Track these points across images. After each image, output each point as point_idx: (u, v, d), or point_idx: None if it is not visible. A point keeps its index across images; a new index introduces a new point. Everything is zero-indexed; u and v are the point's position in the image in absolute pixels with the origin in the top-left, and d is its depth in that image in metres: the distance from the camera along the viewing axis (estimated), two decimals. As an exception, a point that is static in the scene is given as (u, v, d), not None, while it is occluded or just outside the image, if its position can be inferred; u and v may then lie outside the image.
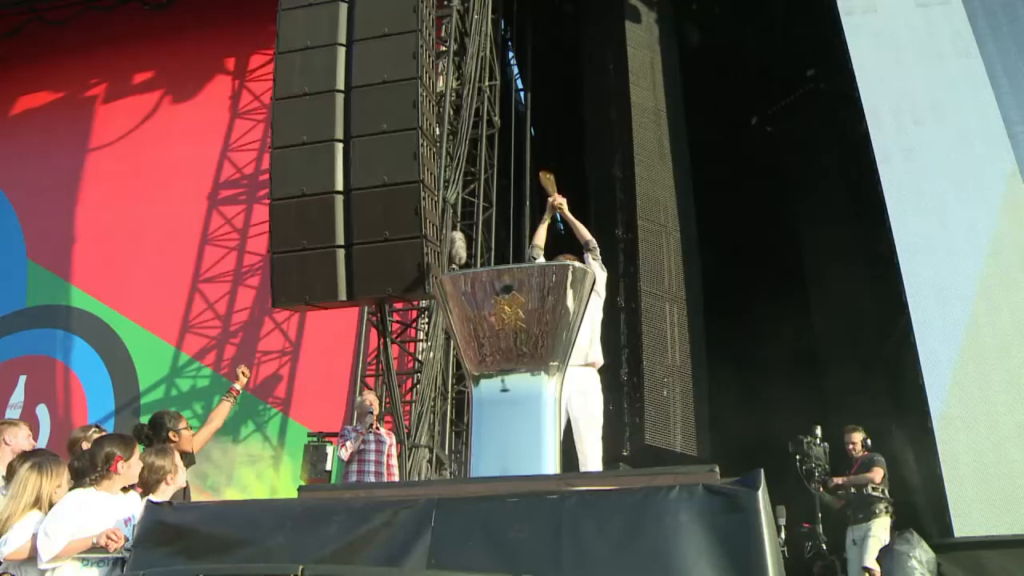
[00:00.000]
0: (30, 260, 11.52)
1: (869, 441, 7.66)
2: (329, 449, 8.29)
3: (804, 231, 12.28)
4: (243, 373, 6.19)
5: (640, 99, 10.97)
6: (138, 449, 4.18)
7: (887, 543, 6.91)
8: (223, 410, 5.94)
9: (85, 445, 4.75)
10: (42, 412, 10.43)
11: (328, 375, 9.78)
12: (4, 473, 4.52)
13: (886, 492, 7.34)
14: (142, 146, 11.67)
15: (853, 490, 7.46)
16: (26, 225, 11.77)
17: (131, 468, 4.08)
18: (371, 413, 7.23)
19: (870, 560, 6.95)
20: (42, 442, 9.60)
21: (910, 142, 8.81)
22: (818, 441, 7.68)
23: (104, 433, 4.92)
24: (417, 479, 7.77)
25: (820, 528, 7.40)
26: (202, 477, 9.44)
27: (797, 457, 7.65)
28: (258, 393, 9.96)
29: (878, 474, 7.34)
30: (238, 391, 6.07)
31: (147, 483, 4.23)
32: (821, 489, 7.61)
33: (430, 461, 8.18)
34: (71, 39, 12.23)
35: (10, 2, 12.22)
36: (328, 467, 8.21)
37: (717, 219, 11.59)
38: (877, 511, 7.27)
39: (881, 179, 8.65)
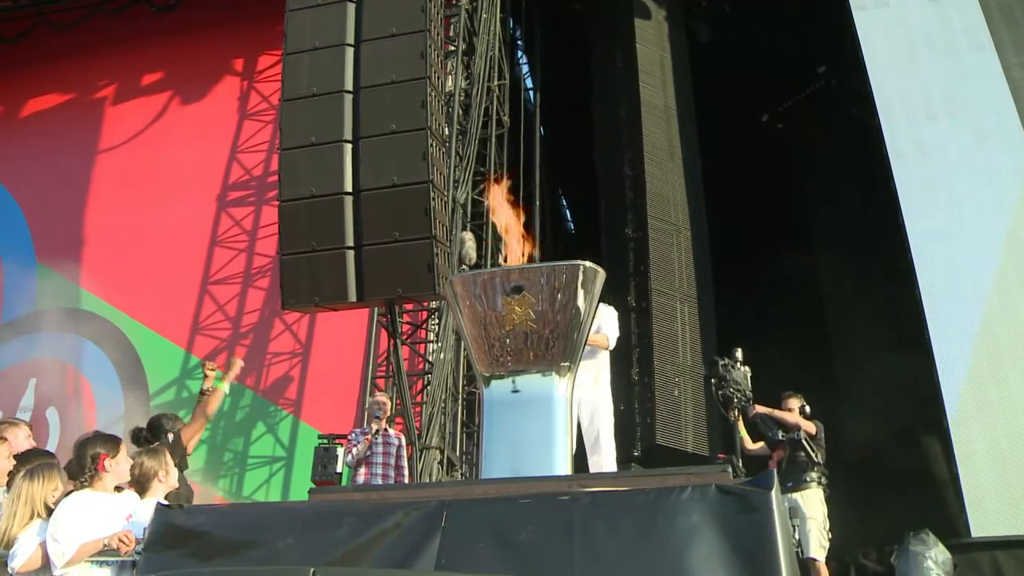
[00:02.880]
0: (39, 263, 11.56)
1: (808, 409, 6.98)
2: (339, 451, 8.30)
3: (815, 229, 12.25)
4: (211, 369, 5.93)
5: (650, 97, 10.95)
6: (124, 446, 4.18)
7: (822, 519, 6.56)
8: (214, 402, 5.77)
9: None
10: (52, 416, 10.47)
11: (338, 377, 9.80)
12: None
13: (820, 457, 6.76)
14: (151, 148, 11.72)
15: (781, 436, 6.85)
16: (35, 228, 11.83)
17: (119, 465, 4.08)
18: (378, 417, 7.21)
19: (814, 550, 6.45)
20: (52, 446, 9.66)
21: (923, 138, 8.76)
22: (738, 364, 6.88)
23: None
24: (428, 480, 7.78)
25: (740, 461, 6.69)
26: (213, 480, 9.48)
27: (712, 381, 6.90)
28: (268, 395, 9.99)
29: (812, 427, 6.81)
30: (206, 389, 5.84)
31: (139, 483, 4.24)
32: (740, 419, 6.92)
33: (441, 463, 8.19)
34: (79, 41, 12.30)
35: (18, 6, 12.30)
36: (338, 469, 8.22)
37: (728, 217, 11.58)
38: (808, 479, 6.67)
39: (894, 175, 8.61)
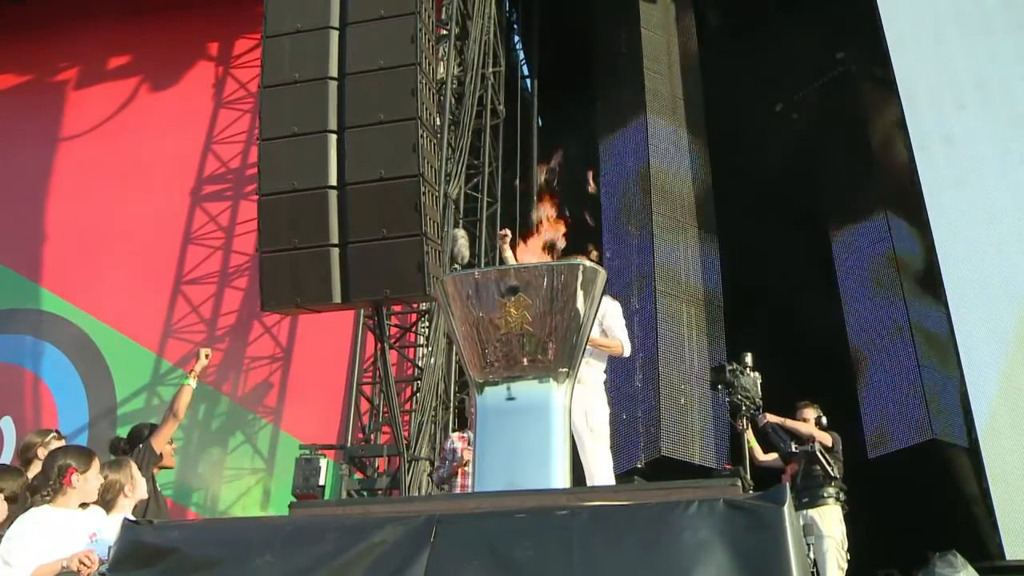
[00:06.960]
0: (-6, 260, 11.52)
1: (824, 420, 7.00)
2: (323, 462, 8.33)
3: (833, 226, 12.25)
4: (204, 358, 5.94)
5: (655, 85, 10.99)
6: (96, 462, 4.13)
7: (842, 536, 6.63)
8: (182, 399, 5.62)
9: (41, 452, 4.73)
10: (7, 425, 10.42)
11: (322, 383, 9.81)
12: None
13: (838, 472, 6.78)
14: (118, 137, 11.69)
15: (795, 448, 6.90)
16: (-11, 222, 11.78)
17: (88, 482, 4.03)
18: None
19: (831, 571, 6.49)
20: (6, 459, 9.64)
21: (951, 128, 8.70)
22: (747, 370, 6.89)
23: (63, 441, 4.92)
24: (417, 494, 7.79)
25: (747, 473, 6.56)
26: (186, 493, 9.49)
27: (719, 388, 6.97)
28: (246, 403, 10.00)
29: (828, 438, 6.85)
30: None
31: (104, 499, 4.21)
32: (749, 428, 6.95)
33: (431, 475, 8.20)
34: (37, 17, 12.18)
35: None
36: (321, 482, 8.25)
37: (738, 213, 11.58)
38: (825, 495, 6.71)
39: (918, 169, 8.59)
